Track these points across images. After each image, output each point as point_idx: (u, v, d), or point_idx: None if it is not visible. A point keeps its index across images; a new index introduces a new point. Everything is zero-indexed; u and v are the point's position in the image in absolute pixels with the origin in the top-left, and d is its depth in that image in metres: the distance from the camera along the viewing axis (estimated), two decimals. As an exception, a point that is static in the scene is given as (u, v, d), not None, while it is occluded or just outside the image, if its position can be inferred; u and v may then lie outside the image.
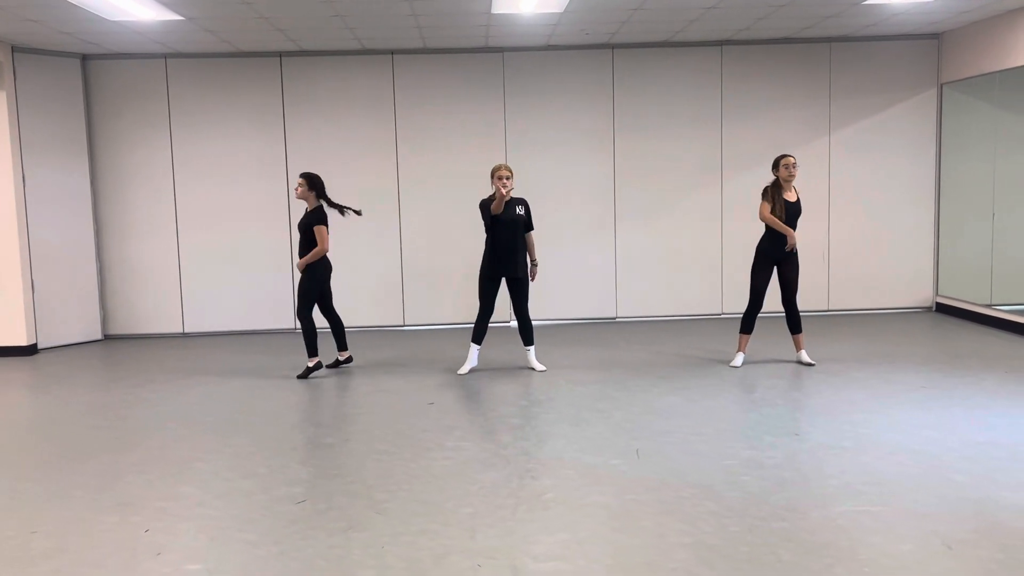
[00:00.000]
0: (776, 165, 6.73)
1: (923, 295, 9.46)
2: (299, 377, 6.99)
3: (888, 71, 9.18)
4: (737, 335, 7.64)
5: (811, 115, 9.22)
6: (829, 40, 9.09)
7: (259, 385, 6.85)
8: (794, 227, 6.72)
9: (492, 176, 6.68)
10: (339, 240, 8.98)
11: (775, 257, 6.75)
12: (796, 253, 6.78)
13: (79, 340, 8.91)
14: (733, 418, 5.51)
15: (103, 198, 9.01)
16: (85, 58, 8.83)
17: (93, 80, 8.90)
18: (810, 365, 6.89)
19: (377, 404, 6.13)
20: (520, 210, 6.77)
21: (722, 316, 9.33)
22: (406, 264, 9.24)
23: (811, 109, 9.21)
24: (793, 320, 6.88)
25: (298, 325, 8.97)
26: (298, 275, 7.40)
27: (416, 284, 9.26)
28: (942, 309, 9.28)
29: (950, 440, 4.92)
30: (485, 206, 6.72)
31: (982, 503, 3.98)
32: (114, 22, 7.25)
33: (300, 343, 8.08)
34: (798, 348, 6.98)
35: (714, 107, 9.18)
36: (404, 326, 9.32)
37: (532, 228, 6.93)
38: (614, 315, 9.41)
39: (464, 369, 6.96)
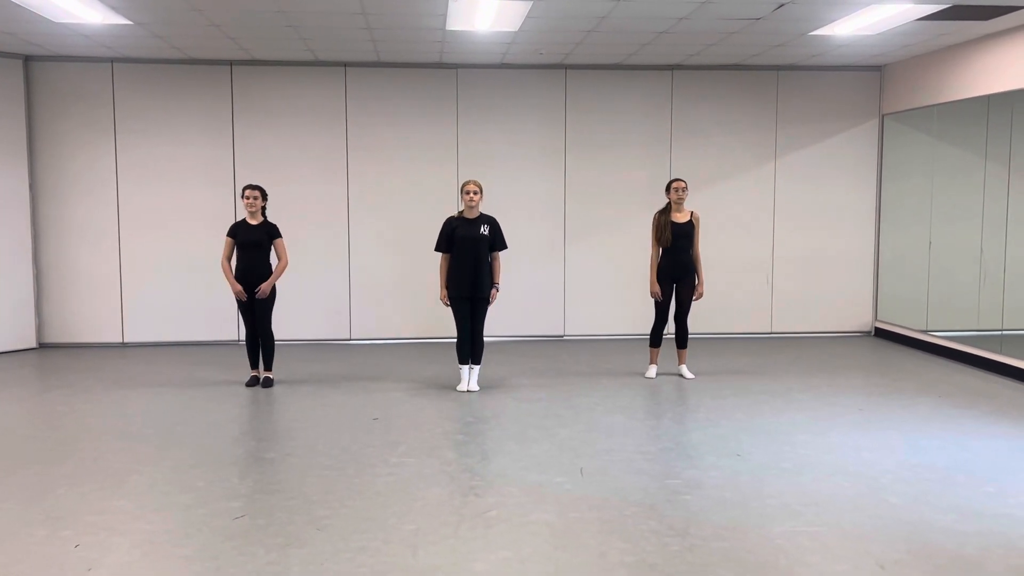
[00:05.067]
0: (667, 188, 7.25)
1: (863, 320, 9.69)
2: None
3: (832, 100, 9.42)
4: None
5: (757, 140, 9.42)
6: (776, 68, 9.31)
7: (200, 397, 6.72)
8: (683, 246, 7.17)
9: (460, 191, 6.78)
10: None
11: (671, 276, 7.24)
12: (693, 275, 7.25)
13: (12, 348, 8.64)
14: (677, 437, 5.57)
15: (42, 202, 8.78)
16: (28, 59, 8.62)
17: (35, 82, 8.70)
18: (689, 379, 7.33)
19: (320, 418, 6.06)
20: (485, 229, 6.71)
21: (668, 336, 9.42)
22: (354, 278, 9.17)
23: (757, 135, 9.41)
24: (681, 337, 7.40)
25: (242, 337, 8.84)
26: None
27: (363, 298, 9.19)
28: (880, 334, 9.52)
29: (886, 463, 5.03)
30: (444, 225, 6.78)
31: (915, 525, 4.08)
32: (59, 24, 7.10)
33: (242, 354, 7.94)
34: (680, 362, 7.47)
35: (664, 130, 9.32)
36: (350, 340, 9.24)
37: (502, 248, 6.84)
38: (562, 333, 9.45)
39: (462, 387, 6.89)
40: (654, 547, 3.80)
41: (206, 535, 3.94)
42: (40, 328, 8.89)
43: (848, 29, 7.34)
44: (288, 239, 8.88)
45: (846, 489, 4.56)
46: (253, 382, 7.10)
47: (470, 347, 6.85)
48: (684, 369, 7.42)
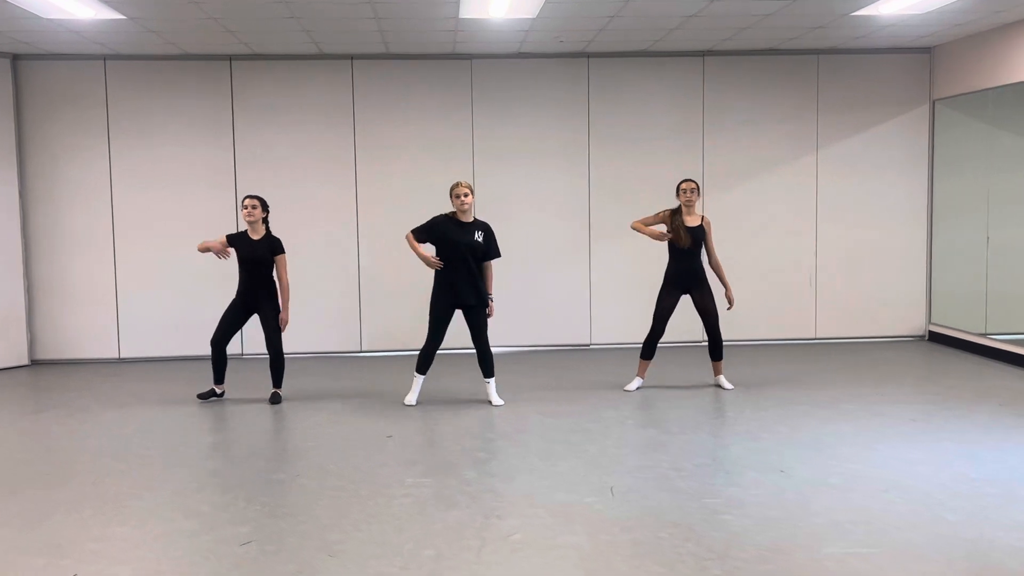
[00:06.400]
0: (677, 190, 7.23)
1: (915, 323, 9.63)
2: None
3: (878, 86, 9.38)
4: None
5: (797, 130, 9.39)
6: (816, 52, 9.29)
7: (202, 415, 6.79)
8: (693, 252, 7.14)
9: (450, 194, 6.76)
10: (289, 257, 8.93)
11: (682, 285, 7.18)
12: (706, 282, 7.19)
13: (2, 365, 8.75)
14: (714, 453, 5.56)
15: (33, 210, 8.91)
16: (16, 58, 8.76)
17: (24, 82, 8.83)
18: (728, 389, 7.33)
19: (331, 437, 6.10)
20: (479, 236, 6.73)
21: (703, 343, 9.41)
22: (364, 285, 9.23)
23: (797, 124, 9.39)
24: (715, 348, 7.35)
25: (247, 350, 8.91)
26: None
27: (374, 307, 9.24)
28: (935, 338, 9.45)
29: (942, 477, 5.00)
30: (433, 219, 6.79)
31: (975, 543, 4.06)
32: (49, 20, 7.21)
33: (248, 369, 8.01)
34: (716, 373, 7.45)
35: (695, 120, 9.32)
36: (361, 352, 9.30)
37: (495, 256, 6.85)
38: (588, 342, 9.46)
39: (410, 399, 6.95)
40: (692, 571, 3.80)
41: (212, 563, 3.98)
42: (32, 344, 9.00)
43: (894, 8, 7.31)
44: (293, 245, 8.93)
45: (899, 506, 4.54)
46: (209, 395, 7.19)
47: (480, 361, 6.87)
48: (722, 379, 7.40)
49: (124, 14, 7.06)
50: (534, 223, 9.23)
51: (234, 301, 7.05)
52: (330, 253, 9.15)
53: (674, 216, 7.17)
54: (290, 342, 9.00)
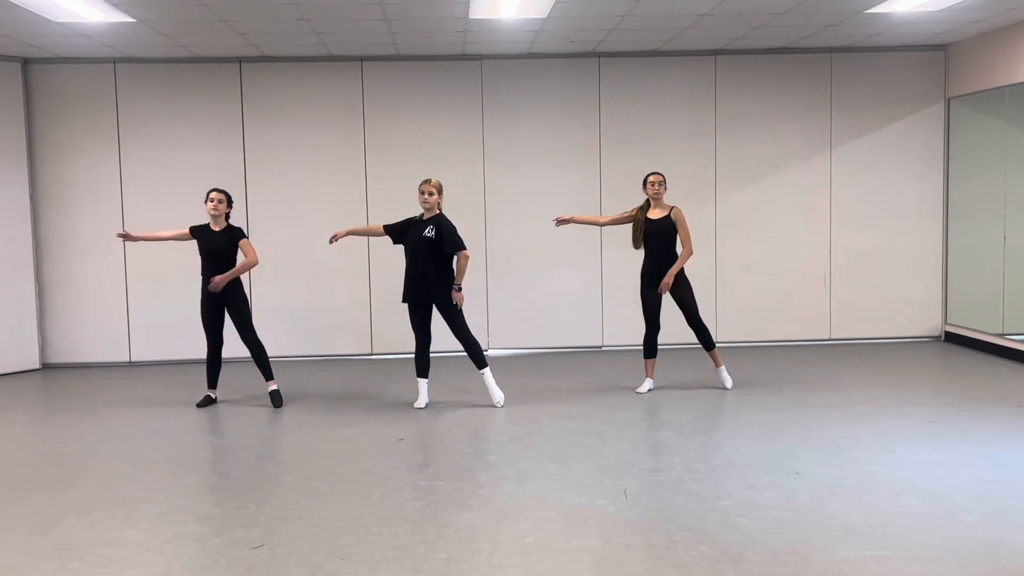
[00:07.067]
0: (644, 183, 7.20)
1: (931, 323, 9.57)
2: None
3: (892, 84, 9.34)
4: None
5: (811, 129, 9.36)
6: (830, 50, 9.25)
7: (212, 418, 6.81)
8: (658, 245, 7.12)
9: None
10: (300, 259, 8.98)
11: (656, 279, 7.15)
12: (682, 273, 7.13)
13: (14, 370, 8.80)
14: (728, 455, 5.54)
15: (44, 213, 8.96)
16: (26, 62, 8.81)
17: (35, 86, 8.88)
18: (728, 387, 7.32)
19: (342, 439, 6.11)
20: (430, 231, 6.72)
21: (717, 345, 9.38)
22: (375, 288, 9.24)
23: (811, 123, 9.35)
24: (702, 339, 7.26)
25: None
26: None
27: (386, 310, 9.24)
28: (951, 338, 9.40)
29: (959, 479, 4.97)
30: (400, 223, 7.00)
31: (993, 546, 4.03)
32: (59, 24, 7.25)
33: (256, 372, 8.03)
34: (716, 365, 7.38)
35: (708, 120, 9.30)
36: (372, 355, 9.31)
37: (453, 250, 6.73)
38: (600, 343, 9.45)
39: (419, 403, 6.98)
40: (706, 574, 3.79)
41: (223, 567, 3.98)
42: (43, 348, 9.04)
43: (909, 5, 7.28)
44: (303, 246, 9.01)
45: (916, 508, 4.52)
46: (207, 402, 7.20)
47: (468, 354, 6.90)
48: (723, 373, 7.36)
49: (134, 17, 7.09)
50: (545, 224, 9.19)
51: (202, 300, 7.05)
52: (340, 255, 9.15)
53: (640, 211, 7.21)
54: (300, 345, 9.09)
